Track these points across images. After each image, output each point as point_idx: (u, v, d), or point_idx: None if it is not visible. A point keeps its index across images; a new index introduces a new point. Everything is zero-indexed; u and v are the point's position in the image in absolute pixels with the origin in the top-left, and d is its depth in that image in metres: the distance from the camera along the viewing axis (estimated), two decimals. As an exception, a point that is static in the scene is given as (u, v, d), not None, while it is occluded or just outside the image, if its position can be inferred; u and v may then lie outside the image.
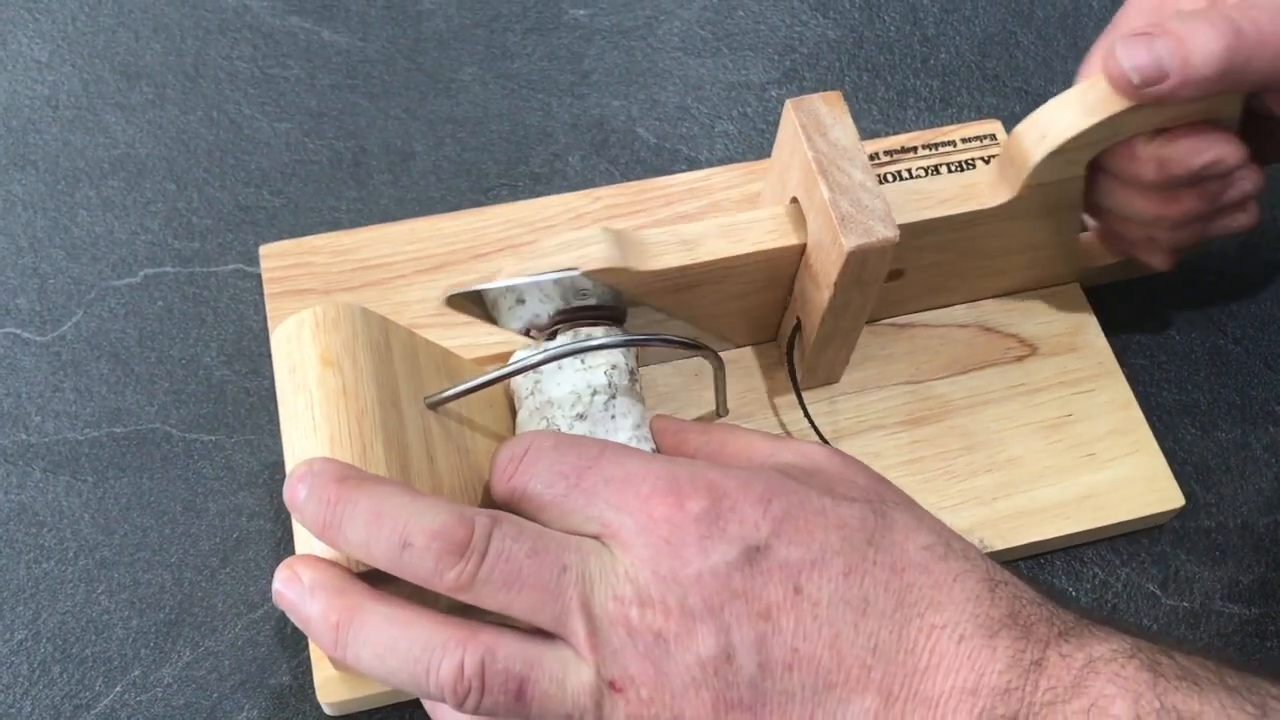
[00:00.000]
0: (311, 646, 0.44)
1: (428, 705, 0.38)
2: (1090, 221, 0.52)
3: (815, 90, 0.60)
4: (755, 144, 0.59)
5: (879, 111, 0.60)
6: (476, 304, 0.45)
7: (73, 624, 0.45)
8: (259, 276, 0.53)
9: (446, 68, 0.60)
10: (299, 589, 0.36)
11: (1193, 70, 0.42)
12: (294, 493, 0.36)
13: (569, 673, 0.34)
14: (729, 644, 0.34)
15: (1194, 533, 0.50)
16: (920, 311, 0.53)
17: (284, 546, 0.47)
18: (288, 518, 0.47)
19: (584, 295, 0.44)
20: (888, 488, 0.39)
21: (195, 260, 0.53)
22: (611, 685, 0.34)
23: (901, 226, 0.44)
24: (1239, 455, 0.52)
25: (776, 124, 0.59)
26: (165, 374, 0.50)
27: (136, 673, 0.44)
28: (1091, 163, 0.46)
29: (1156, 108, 0.43)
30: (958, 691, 0.34)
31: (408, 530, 0.34)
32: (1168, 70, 0.42)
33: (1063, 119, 0.44)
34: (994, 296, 0.53)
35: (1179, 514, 0.50)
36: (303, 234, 0.53)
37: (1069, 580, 0.48)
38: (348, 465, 0.36)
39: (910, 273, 0.49)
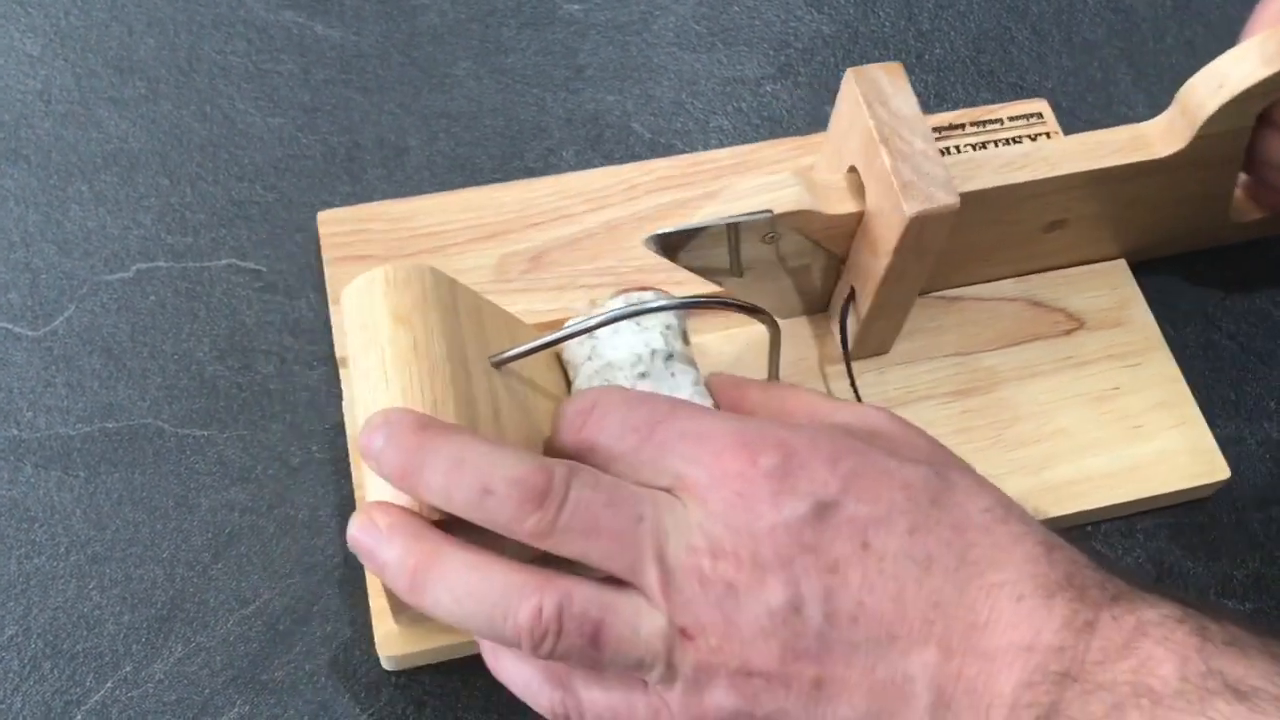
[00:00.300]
0: (372, 600, 0.44)
1: (487, 655, 0.39)
2: (1241, 176, 0.53)
3: (809, 85, 0.60)
4: (750, 139, 0.58)
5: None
6: (673, 247, 0.45)
7: (64, 620, 0.45)
8: (252, 271, 0.53)
9: (441, 62, 0.60)
10: (376, 534, 0.36)
11: None
12: (370, 440, 0.36)
13: (642, 618, 0.35)
14: (798, 595, 0.35)
15: (1188, 528, 0.50)
16: (1078, 265, 0.54)
17: (276, 541, 0.47)
18: (280, 512, 0.47)
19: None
20: (946, 452, 0.40)
21: (188, 255, 0.53)
22: (683, 633, 0.35)
23: (1071, 175, 0.46)
24: (1233, 450, 0.51)
25: (771, 119, 0.59)
26: (157, 369, 0.50)
27: (128, 668, 0.44)
28: (1258, 116, 0.47)
29: None
30: (1014, 648, 0.34)
31: (489, 477, 0.35)
32: None
33: (1241, 69, 0.46)
34: (1147, 253, 0.54)
35: (1175, 509, 0.50)
36: (296, 230, 0.53)
37: (1063, 576, 0.48)
38: (426, 415, 0.37)
39: (1072, 223, 0.50)
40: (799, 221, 0.45)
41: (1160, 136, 0.48)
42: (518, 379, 0.43)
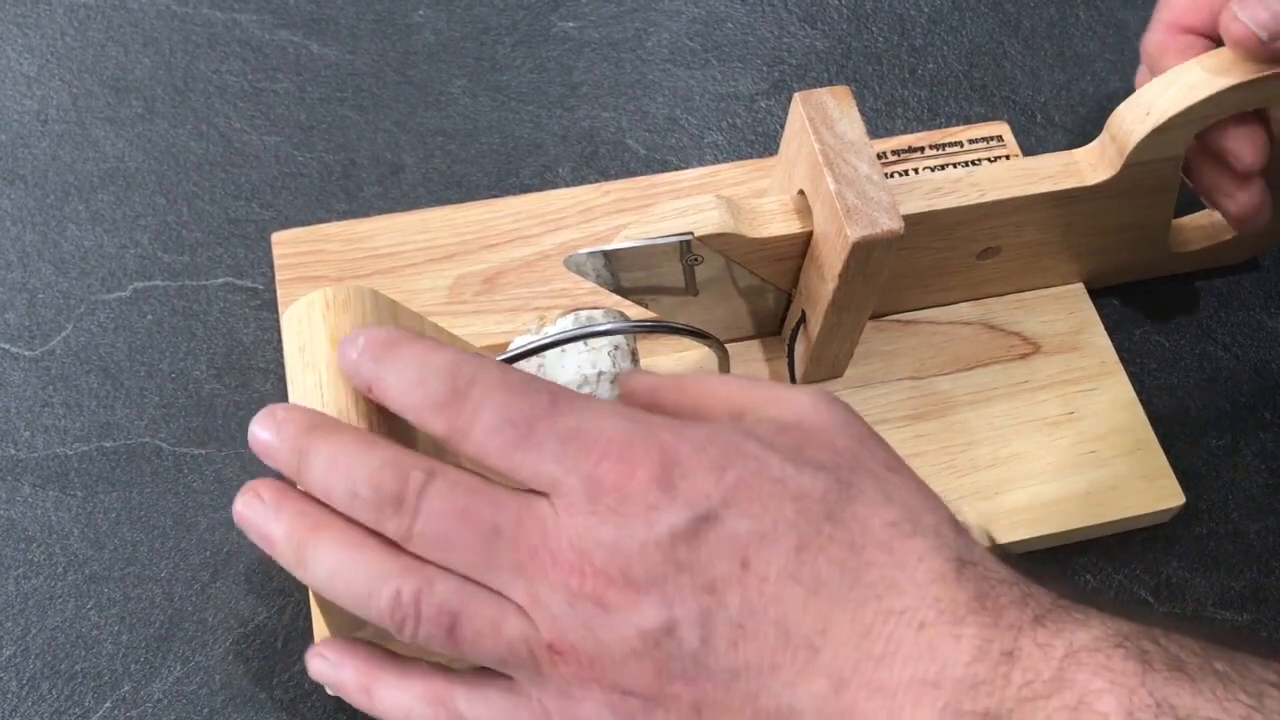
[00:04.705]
0: (315, 621, 0.44)
1: (358, 698, 0.38)
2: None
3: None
4: (744, 155, 0.59)
5: (867, 122, 0.60)
6: (595, 268, 0.45)
7: (62, 639, 0.45)
8: (248, 290, 0.53)
9: (436, 80, 0.60)
10: (261, 509, 0.36)
11: None
12: (259, 435, 0.37)
13: (506, 619, 0.34)
14: (671, 617, 0.33)
15: (1186, 539, 0.50)
16: (1013, 293, 0.53)
17: (274, 560, 0.47)
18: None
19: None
20: (867, 450, 0.37)
21: (185, 274, 0.53)
22: (551, 648, 0.34)
23: (1000, 203, 0.46)
24: (1229, 462, 0.52)
25: (766, 135, 0.60)
26: (155, 388, 0.50)
27: (126, 688, 0.44)
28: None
29: (1257, 88, 0.44)
30: (917, 682, 0.32)
31: (355, 478, 0.35)
32: None
33: (1167, 96, 0.45)
34: (1089, 281, 0.54)
35: (1172, 521, 0.50)
36: (292, 247, 0.53)
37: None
38: (316, 413, 0.37)
39: (1007, 251, 0.50)
40: (721, 244, 0.45)
41: (1091, 164, 0.48)
42: None
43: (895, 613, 0.33)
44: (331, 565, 0.35)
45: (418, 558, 0.35)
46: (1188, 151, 0.48)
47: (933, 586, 0.33)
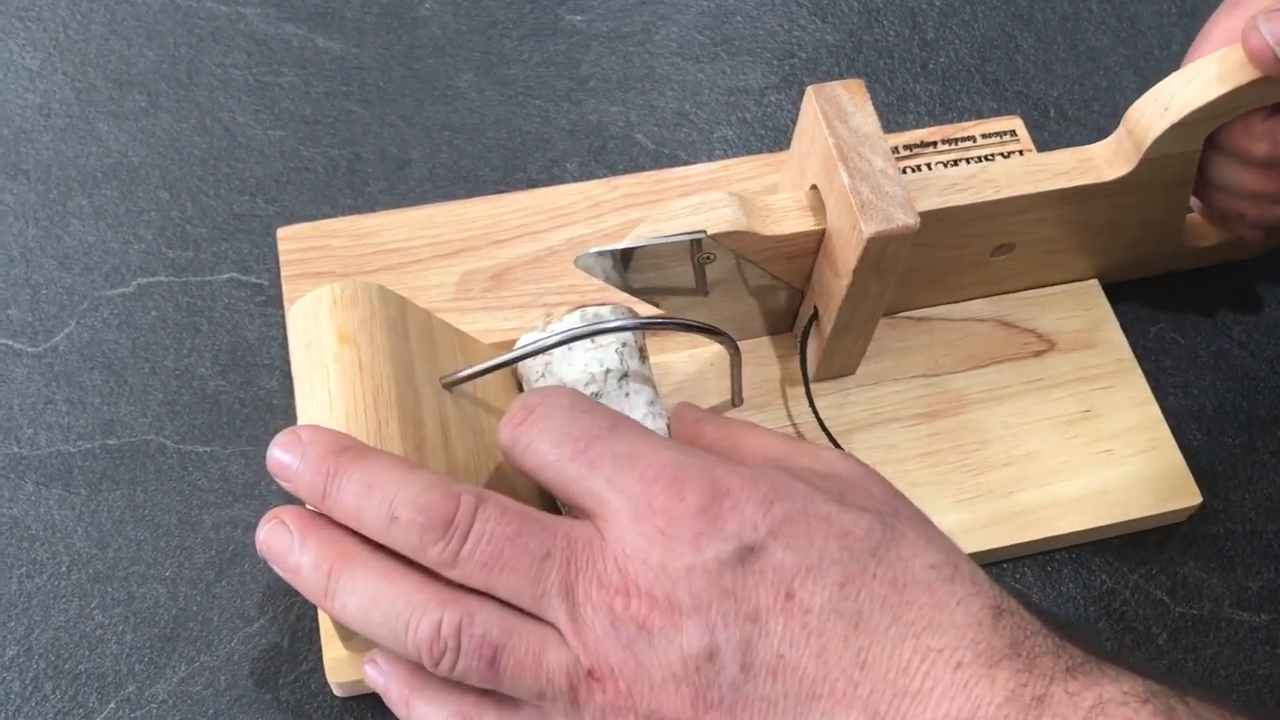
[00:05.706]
0: (322, 627, 0.43)
1: (398, 706, 0.38)
2: (1194, 202, 0.52)
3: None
4: (754, 149, 0.58)
5: (879, 115, 0.59)
6: (604, 267, 0.44)
7: (66, 639, 0.45)
8: (253, 285, 0.52)
9: (442, 74, 0.59)
10: (286, 536, 0.36)
11: None
12: (283, 459, 0.36)
13: (548, 649, 0.34)
14: (713, 642, 0.33)
15: (1202, 539, 0.49)
16: (1027, 289, 0.53)
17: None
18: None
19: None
20: (903, 502, 0.38)
21: (189, 269, 0.53)
22: (590, 674, 0.34)
23: (1016, 199, 0.45)
24: (1246, 461, 0.51)
25: (776, 129, 0.59)
26: (159, 385, 0.50)
27: (131, 689, 0.44)
28: (1206, 139, 0.47)
29: (1277, 83, 0.44)
30: None
31: (395, 503, 0.34)
32: None
33: (1186, 91, 0.45)
34: (1106, 278, 0.53)
35: (1188, 520, 0.49)
36: (298, 242, 0.53)
37: (1077, 588, 0.48)
38: (344, 435, 0.37)
39: (1021, 247, 0.49)
40: (734, 242, 0.44)
41: (1107, 160, 0.47)
42: (470, 400, 0.42)
43: (934, 650, 0.33)
44: (365, 595, 0.35)
45: (455, 586, 0.35)
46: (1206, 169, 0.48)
47: (970, 630, 0.34)
